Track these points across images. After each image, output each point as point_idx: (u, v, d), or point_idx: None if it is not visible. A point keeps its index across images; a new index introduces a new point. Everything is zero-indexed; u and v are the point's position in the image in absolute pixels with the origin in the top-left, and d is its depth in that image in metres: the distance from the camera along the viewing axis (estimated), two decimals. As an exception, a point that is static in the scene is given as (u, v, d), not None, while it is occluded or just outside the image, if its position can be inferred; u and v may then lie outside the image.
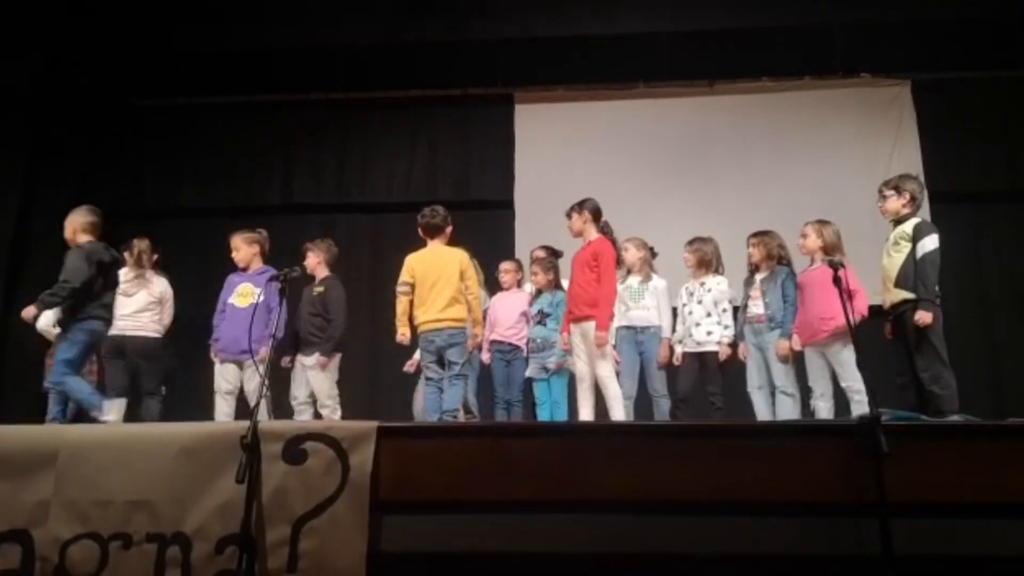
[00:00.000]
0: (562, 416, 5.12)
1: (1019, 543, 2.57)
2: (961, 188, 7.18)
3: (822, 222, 4.82)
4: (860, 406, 4.33)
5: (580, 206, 4.84)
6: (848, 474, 2.65)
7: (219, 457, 2.78)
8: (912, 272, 4.34)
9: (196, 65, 7.95)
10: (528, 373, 5.34)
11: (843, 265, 3.28)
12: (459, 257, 4.75)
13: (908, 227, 4.44)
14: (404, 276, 4.77)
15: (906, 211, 4.52)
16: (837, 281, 3.18)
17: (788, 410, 4.70)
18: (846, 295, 4.41)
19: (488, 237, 7.12)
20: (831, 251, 4.68)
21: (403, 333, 4.75)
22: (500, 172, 7.65)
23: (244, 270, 5.49)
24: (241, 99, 8.01)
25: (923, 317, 4.25)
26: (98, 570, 2.73)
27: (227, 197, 7.95)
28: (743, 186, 7.26)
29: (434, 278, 4.66)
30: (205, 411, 5.55)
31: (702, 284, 5.14)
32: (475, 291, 4.82)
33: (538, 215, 7.15)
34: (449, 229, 4.85)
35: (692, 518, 2.69)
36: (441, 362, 4.61)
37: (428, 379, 4.68)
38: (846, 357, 4.48)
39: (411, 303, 4.76)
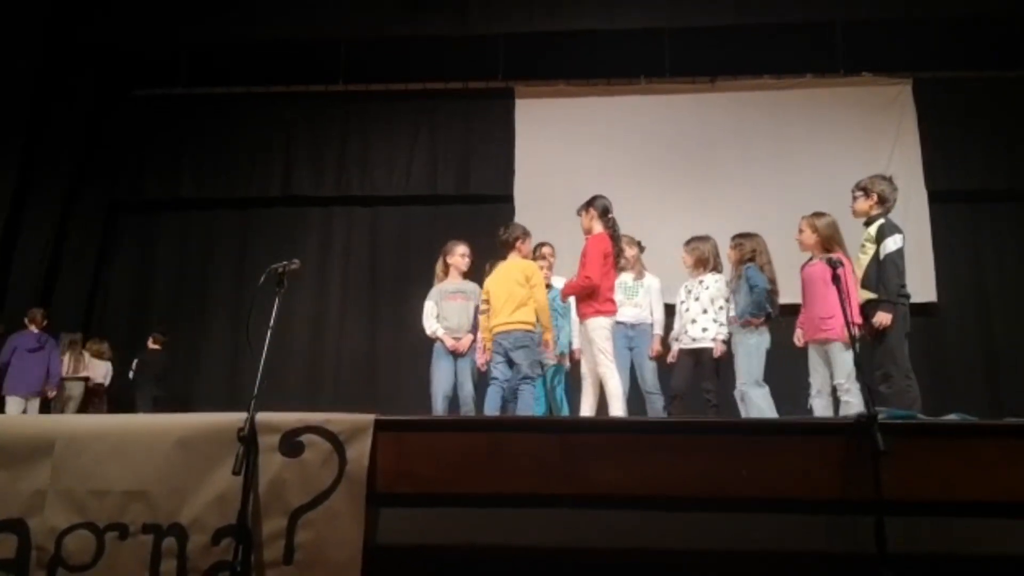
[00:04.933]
0: (563, 412, 5.16)
1: (1014, 542, 2.57)
2: (961, 187, 7.19)
3: (817, 215, 4.79)
4: (848, 406, 4.35)
5: (588, 204, 4.89)
6: (845, 472, 2.65)
7: (216, 449, 2.77)
8: (875, 273, 4.35)
9: (197, 56, 7.93)
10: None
11: (842, 264, 3.26)
12: (524, 266, 4.99)
13: (873, 229, 4.44)
14: (483, 296, 5.15)
15: (875, 212, 4.51)
16: (836, 280, 3.17)
17: (756, 407, 4.70)
18: (846, 295, 4.44)
19: (487, 231, 7.08)
20: (828, 244, 4.67)
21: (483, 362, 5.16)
22: (500, 166, 7.65)
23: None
24: (241, 90, 8.00)
25: (882, 318, 4.23)
26: (94, 560, 2.73)
27: (226, 188, 7.95)
28: (743, 182, 7.26)
29: (503, 289, 4.92)
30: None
31: (700, 282, 5.15)
32: (541, 298, 4.94)
33: (538, 209, 7.15)
34: (521, 243, 5.08)
35: (689, 514, 2.69)
36: (509, 363, 4.81)
37: (493, 379, 4.89)
38: (843, 357, 4.49)
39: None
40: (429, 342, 5.45)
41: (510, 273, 4.97)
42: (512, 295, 4.87)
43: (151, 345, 7.40)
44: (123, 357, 7.50)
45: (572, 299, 5.06)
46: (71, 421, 3.07)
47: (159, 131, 8.05)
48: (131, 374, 7.40)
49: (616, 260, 4.87)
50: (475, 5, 7.45)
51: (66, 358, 7.29)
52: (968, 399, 6.15)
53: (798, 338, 4.76)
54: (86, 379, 7.41)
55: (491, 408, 4.83)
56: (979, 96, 7.26)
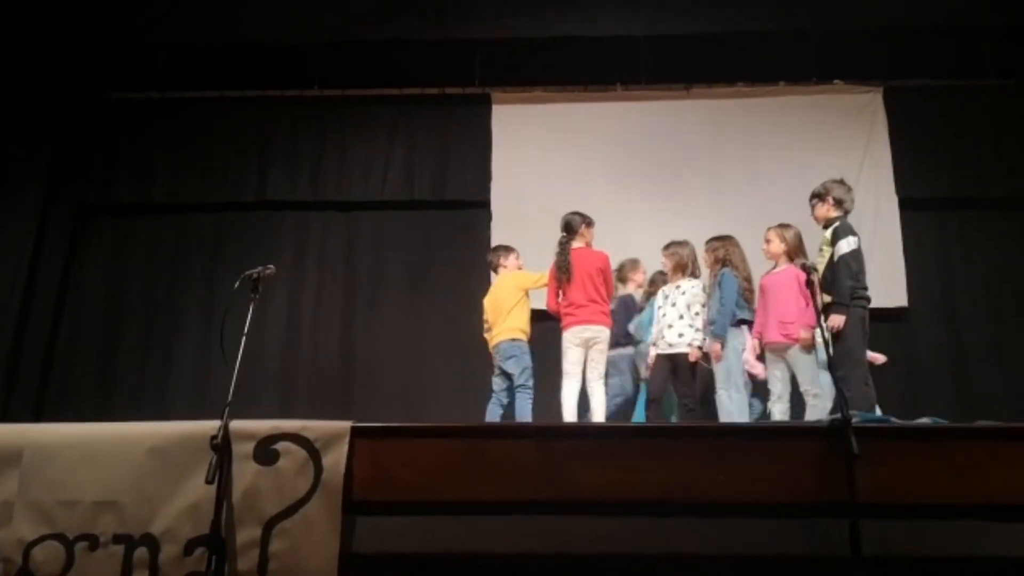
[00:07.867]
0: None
1: (986, 543, 2.61)
2: (931, 194, 7.29)
3: (783, 226, 4.88)
4: (815, 410, 4.39)
5: (582, 227, 5.23)
6: (819, 475, 2.67)
7: (189, 457, 2.73)
8: (831, 276, 4.38)
9: (171, 59, 7.84)
10: None
11: (815, 269, 3.31)
12: (514, 277, 5.22)
13: (829, 232, 4.50)
14: (485, 317, 5.33)
15: (833, 215, 4.57)
16: (810, 284, 3.21)
17: (726, 411, 4.76)
18: (808, 300, 4.50)
19: (464, 237, 7.11)
20: (794, 254, 4.76)
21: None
22: (477, 172, 7.63)
23: None
24: (216, 94, 7.92)
25: (834, 320, 4.23)
26: (63, 571, 2.68)
27: (201, 193, 7.85)
28: (717, 189, 7.30)
29: (498, 305, 5.13)
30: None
31: (677, 287, 5.19)
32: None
33: (515, 215, 7.15)
34: (504, 260, 5.36)
35: (666, 518, 2.70)
36: (506, 375, 4.99)
37: (493, 390, 5.10)
38: (804, 362, 4.53)
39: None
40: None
41: (501, 288, 5.15)
42: (501, 308, 5.02)
43: None
44: (94, 361, 7.38)
45: None
46: (39, 430, 3.00)
47: (132, 134, 7.92)
48: None
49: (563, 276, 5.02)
50: (452, 11, 7.44)
51: None
52: (939, 402, 6.23)
53: (754, 348, 4.81)
54: None
55: (490, 418, 5.00)
56: (949, 104, 7.36)
